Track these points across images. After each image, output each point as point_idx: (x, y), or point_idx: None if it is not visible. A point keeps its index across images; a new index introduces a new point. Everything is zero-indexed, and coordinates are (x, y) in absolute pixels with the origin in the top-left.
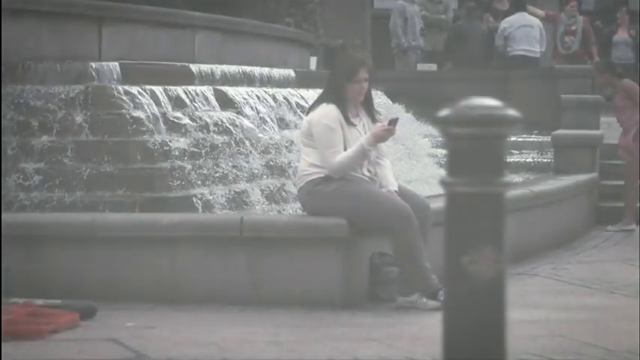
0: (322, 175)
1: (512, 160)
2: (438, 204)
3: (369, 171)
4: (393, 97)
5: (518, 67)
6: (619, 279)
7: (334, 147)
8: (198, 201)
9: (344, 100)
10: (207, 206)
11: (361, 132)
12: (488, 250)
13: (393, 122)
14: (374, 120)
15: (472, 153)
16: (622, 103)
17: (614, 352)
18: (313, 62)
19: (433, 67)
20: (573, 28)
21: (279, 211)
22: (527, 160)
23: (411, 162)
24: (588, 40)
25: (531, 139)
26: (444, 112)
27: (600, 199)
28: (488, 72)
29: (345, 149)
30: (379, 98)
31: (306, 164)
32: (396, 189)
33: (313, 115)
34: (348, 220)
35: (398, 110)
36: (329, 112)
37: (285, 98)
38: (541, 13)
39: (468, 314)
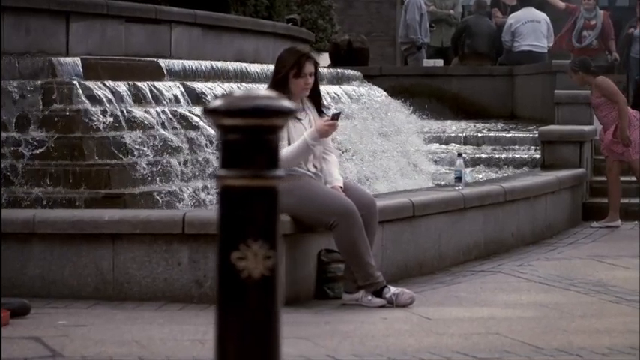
0: None
1: (507, 155)
2: (386, 201)
3: (314, 166)
4: (398, 93)
5: (525, 62)
6: (580, 276)
7: None
8: (158, 198)
9: (288, 94)
10: (168, 204)
11: (306, 127)
12: (257, 246)
13: (336, 116)
14: (321, 115)
15: (243, 145)
16: (598, 100)
17: (542, 350)
18: (325, 59)
19: (439, 62)
20: (593, 22)
21: None
22: (522, 156)
23: (398, 157)
24: (607, 35)
25: (528, 135)
26: (214, 103)
27: (591, 196)
28: (494, 67)
29: (290, 144)
30: (377, 93)
31: None
32: (341, 185)
33: None
34: (292, 216)
35: (395, 106)
36: None
37: None
38: (561, 4)
39: (238, 312)
